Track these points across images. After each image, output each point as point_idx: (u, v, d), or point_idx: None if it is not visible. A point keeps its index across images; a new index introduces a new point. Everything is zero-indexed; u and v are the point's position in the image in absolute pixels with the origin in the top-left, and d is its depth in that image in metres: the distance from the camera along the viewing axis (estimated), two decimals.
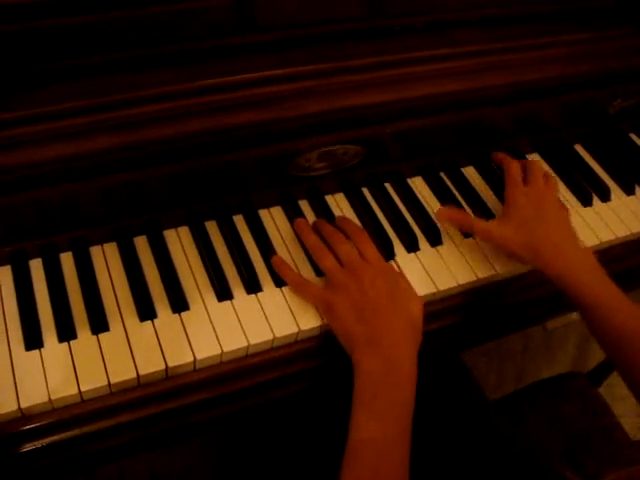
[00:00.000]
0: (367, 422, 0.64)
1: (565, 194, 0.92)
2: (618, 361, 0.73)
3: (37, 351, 0.66)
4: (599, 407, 1.04)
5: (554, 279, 0.75)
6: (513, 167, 0.86)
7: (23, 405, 0.62)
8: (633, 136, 1.04)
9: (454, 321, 0.80)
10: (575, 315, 1.69)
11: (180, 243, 0.77)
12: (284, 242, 0.79)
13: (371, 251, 0.74)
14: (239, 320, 0.71)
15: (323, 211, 0.83)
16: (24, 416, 0.63)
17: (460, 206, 0.88)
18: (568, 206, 0.90)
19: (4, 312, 0.69)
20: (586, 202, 0.91)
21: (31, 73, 0.69)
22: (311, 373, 0.74)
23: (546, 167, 0.96)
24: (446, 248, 0.82)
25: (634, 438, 1.03)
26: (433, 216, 0.85)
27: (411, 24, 0.83)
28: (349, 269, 0.72)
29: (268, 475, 0.88)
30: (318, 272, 0.76)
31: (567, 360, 1.65)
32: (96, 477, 1.06)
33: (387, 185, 0.88)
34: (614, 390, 1.54)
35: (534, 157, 0.97)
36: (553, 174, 0.95)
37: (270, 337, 0.70)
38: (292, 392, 0.75)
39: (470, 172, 0.93)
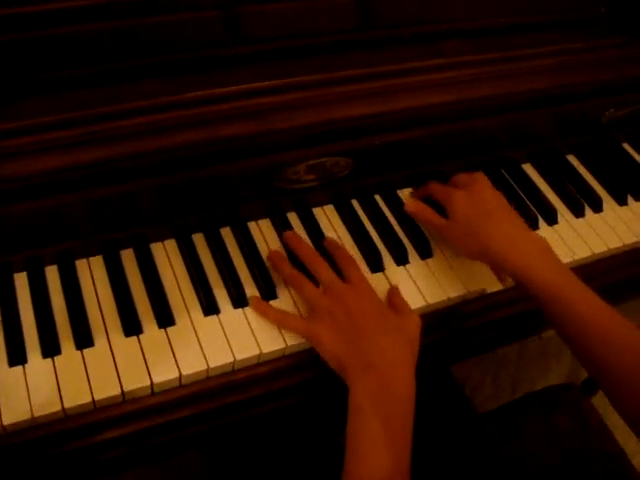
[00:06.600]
0: (365, 449, 0.60)
1: (557, 205, 0.91)
2: (579, 350, 0.68)
3: (20, 367, 0.65)
4: (593, 420, 1.03)
5: (513, 274, 0.71)
6: (432, 187, 0.83)
7: (6, 422, 0.62)
8: (626, 146, 1.04)
9: (443, 335, 0.79)
10: None
11: (167, 256, 0.77)
12: None
13: (354, 272, 0.72)
14: (225, 335, 0.70)
15: (311, 224, 0.82)
16: (7, 433, 0.63)
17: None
18: (560, 217, 0.90)
19: None
20: (578, 213, 0.91)
21: (18, 85, 0.68)
22: (299, 388, 0.74)
23: (539, 177, 0.96)
24: (436, 261, 0.81)
25: (628, 449, 1.02)
26: (423, 228, 0.84)
27: (401, 35, 0.83)
28: (331, 294, 0.70)
29: None
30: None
31: (562, 368, 1.65)
32: None
33: (377, 197, 0.88)
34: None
35: (527, 167, 0.97)
36: (546, 184, 0.95)
37: (257, 352, 0.70)
38: (281, 406, 0.74)
39: None
